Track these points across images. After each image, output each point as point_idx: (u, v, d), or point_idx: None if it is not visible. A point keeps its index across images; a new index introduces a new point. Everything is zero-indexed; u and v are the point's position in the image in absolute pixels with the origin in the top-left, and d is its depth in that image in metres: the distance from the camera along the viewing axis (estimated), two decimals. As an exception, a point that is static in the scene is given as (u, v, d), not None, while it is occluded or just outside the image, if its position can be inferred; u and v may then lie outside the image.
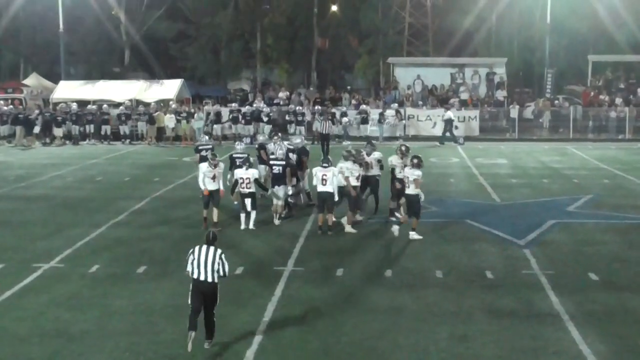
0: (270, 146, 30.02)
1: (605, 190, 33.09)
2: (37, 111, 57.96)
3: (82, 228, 26.13)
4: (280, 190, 25.93)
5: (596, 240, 24.33)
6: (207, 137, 36.02)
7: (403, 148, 26.97)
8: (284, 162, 27.41)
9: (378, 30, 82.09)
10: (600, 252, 22.76)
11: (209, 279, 15.65)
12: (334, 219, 25.13)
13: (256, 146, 30.99)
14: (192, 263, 15.74)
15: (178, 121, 55.60)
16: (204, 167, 26.13)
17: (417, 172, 23.39)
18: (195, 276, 15.71)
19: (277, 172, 26.96)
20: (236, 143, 31.73)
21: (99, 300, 18.60)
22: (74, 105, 58.32)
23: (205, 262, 15.60)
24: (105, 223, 26.88)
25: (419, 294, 18.89)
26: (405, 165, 25.31)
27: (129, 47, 79.66)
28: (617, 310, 17.51)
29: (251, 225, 25.30)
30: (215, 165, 25.39)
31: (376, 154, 27.50)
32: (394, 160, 26.52)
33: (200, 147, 31.81)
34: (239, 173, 25.21)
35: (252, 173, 25.54)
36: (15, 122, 56.29)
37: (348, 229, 25.17)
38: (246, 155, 28.58)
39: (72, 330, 16.47)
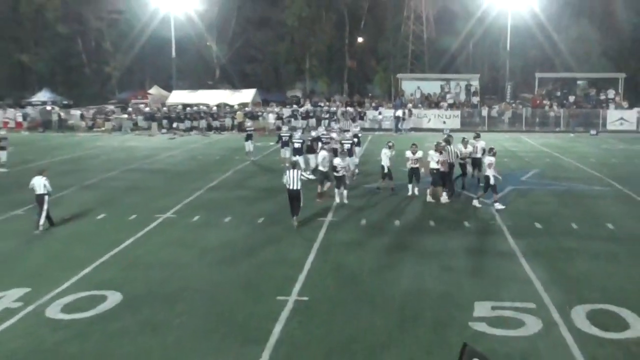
0: (334, 135, 30.65)
1: (547, 166, 32.80)
2: (161, 111, 58.94)
3: (187, 191, 26.20)
4: (351, 161, 26.11)
5: (540, 200, 24.16)
6: (286, 128, 36.35)
7: (465, 139, 26.89)
8: (351, 141, 28.74)
9: (390, 55, 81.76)
10: (543, 209, 22.60)
11: (295, 187, 20.02)
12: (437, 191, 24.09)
13: (311, 138, 30.44)
14: (286, 178, 20.15)
15: (255, 118, 55.44)
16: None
17: (491, 158, 22.66)
18: (288, 186, 20.11)
19: (348, 148, 27.20)
20: (295, 132, 32.19)
21: (198, 240, 18.74)
22: (179, 107, 58.82)
23: (292, 178, 19.98)
24: (202, 188, 26.94)
25: (418, 238, 18.86)
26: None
27: (219, 67, 79.81)
28: (554, 249, 17.42)
29: (345, 200, 23.34)
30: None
31: (482, 143, 27.02)
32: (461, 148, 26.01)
33: (281, 135, 32.87)
34: (337, 161, 23.31)
35: (348, 162, 24.28)
36: (151, 119, 56.77)
37: (429, 198, 23.85)
38: (302, 141, 30.11)
39: (181, 261, 16.63)
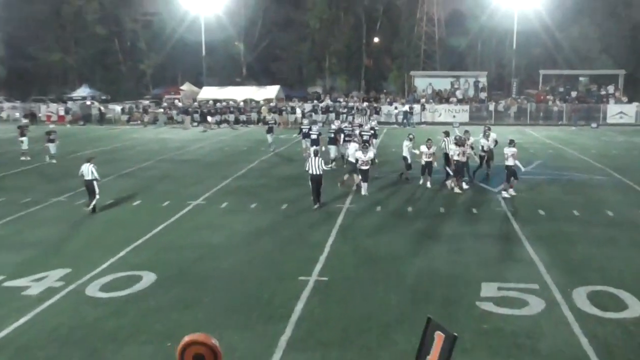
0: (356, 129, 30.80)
1: (550, 157, 32.66)
2: (193, 106, 59.15)
3: (216, 179, 26.28)
4: (370, 151, 25.86)
5: (543, 189, 24.08)
6: (306, 121, 36.73)
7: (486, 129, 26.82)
8: (369, 133, 29.37)
9: (404, 54, 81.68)
10: (546, 197, 22.53)
11: (317, 172, 20.53)
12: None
13: (333, 130, 30.10)
14: (308, 165, 20.79)
15: (279, 112, 55.56)
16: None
17: (513, 149, 22.76)
18: (310, 172, 20.63)
19: (367, 139, 27.13)
20: (313, 125, 32.24)
21: (226, 224, 18.81)
22: (210, 102, 58.85)
23: (314, 164, 20.50)
24: (230, 176, 27.00)
25: (430, 223, 18.85)
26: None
27: (245, 65, 79.82)
28: (556, 234, 17.36)
29: (364, 192, 22.62)
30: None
31: (493, 134, 26.82)
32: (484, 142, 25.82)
33: (302, 127, 33.51)
34: (359, 155, 22.79)
35: (369, 156, 22.94)
36: (184, 113, 56.97)
37: (456, 190, 23.38)
38: (318, 133, 30.50)
39: (210, 244, 16.72)
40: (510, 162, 22.54)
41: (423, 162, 24.32)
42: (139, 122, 57.92)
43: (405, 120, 54.09)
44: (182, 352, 5.84)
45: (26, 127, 34.19)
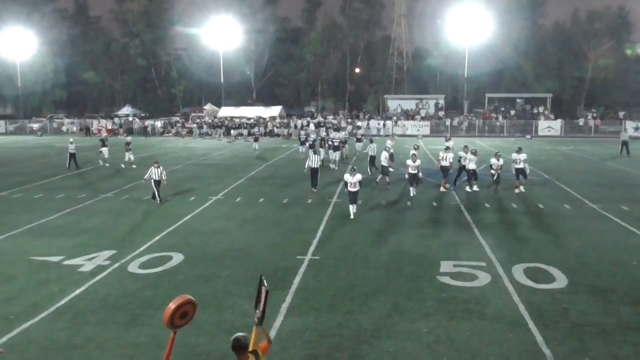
0: (332, 134, 32.48)
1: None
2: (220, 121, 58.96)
3: (232, 179, 26.19)
4: (337, 154, 26.82)
5: (488, 186, 24.02)
6: (303, 132, 37.36)
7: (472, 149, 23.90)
8: (339, 141, 31.16)
9: (379, 81, 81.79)
10: (491, 193, 22.48)
11: (316, 166, 21.86)
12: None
13: (321, 138, 32.09)
14: (308, 161, 21.84)
15: (287, 126, 55.77)
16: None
17: (524, 155, 22.95)
18: (311, 166, 21.88)
19: (337, 144, 29.91)
20: (309, 136, 32.60)
21: (239, 215, 18.71)
22: (229, 119, 58.63)
23: (314, 160, 21.83)
24: (244, 177, 26.90)
25: (400, 214, 18.80)
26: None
27: (255, 90, 79.77)
28: (501, 222, 17.36)
29: (352, 216, 17.91)
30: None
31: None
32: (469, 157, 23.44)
33: (300, 137, 35.46)
34: (347, 178, 17.98)
35: (357, 178, 17.74)
36: (213, 127, 56.75)
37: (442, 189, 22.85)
38: (313, 140, 31.99)
39: (227, 230, 16.63)
40: (520, 165, 22.75)
41: (408, 174, 22.33)
42: (177, 134, 57.85)
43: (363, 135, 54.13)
44: (172, 315, 5.91)
45: (106, 139, 32.77)
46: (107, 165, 31.26)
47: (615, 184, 24.79)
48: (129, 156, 31.10)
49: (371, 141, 28.86)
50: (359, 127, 54.03)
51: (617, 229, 16.54)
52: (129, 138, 33.76)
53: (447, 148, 24.98)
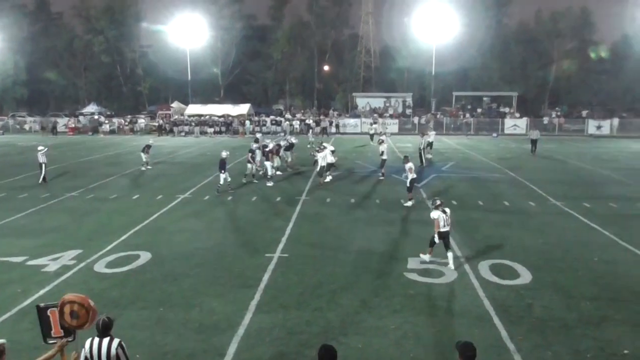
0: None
1: (461, 160, 33.07)
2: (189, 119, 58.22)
3: (199, 178, 26.05)
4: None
5: (455, 184, 24.31)
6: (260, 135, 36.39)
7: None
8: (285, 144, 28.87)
9: (347, 79, 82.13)
10: (457, 190, 22.75)
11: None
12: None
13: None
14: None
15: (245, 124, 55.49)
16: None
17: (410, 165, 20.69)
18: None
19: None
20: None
21: (208, 213, 18.65)
22: (195, 117, 58.20)
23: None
24: (210, 175, 26.68)
25: (368, 211, 18.92)
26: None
27: (223, 88, 79.24)
28: (466, 219, 17.57)
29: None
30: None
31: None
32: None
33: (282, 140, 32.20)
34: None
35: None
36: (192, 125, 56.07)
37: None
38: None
39: (195, 229, 16.57)
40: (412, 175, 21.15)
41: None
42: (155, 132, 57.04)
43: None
44: (62, 306, 5.93)
45: (149, 147, 30.06)
46: (149, 167, 29.50)
47: (578, 181, 25.33)
48: (143, 157, 29.44)
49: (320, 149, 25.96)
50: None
51: (580, 226, 16.94)
52: (151, 141, 32.08)
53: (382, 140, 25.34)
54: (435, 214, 12.79)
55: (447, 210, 12.98)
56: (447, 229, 12.77)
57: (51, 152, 33.00)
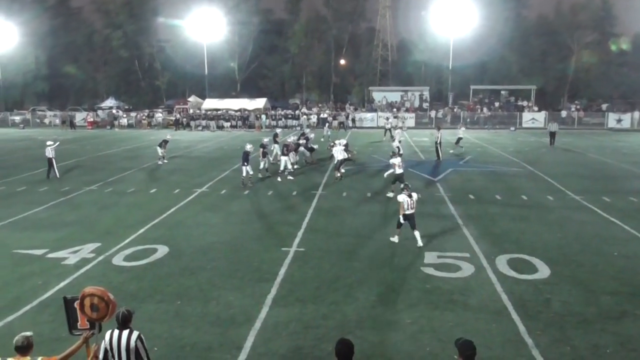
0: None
1: (478, 154, 32.84)
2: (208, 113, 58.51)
3: (216, 172, 26.14)
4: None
5: (472, 178, 24.17)
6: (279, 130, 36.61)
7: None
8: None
9: (364, 73, 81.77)
10: (475, 185, 22.62)
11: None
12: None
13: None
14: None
15: (260, 118, 55.67)
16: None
17: (398, 159, 20.34)
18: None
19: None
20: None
21: (225, 207, 18.72)
22: (212, 111, 58.28)
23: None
24: (228, 169, 26.84)
25: (385, 205, 18.88)
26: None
27: (239, 82, 79.34)
28: (482, 213, 17.49)
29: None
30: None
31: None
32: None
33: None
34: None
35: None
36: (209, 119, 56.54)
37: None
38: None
39: (212, 222, 16.64)
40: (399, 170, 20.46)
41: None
42: (173, 127, 57.00)
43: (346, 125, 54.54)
44: (82, 299, 5.98)
45: (166, 142, 30.15)
46: (165, 161, 29.58)
47: (597, 175, 25.06)
48: (159, 152, 29.52)
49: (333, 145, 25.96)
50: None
51: (599, 220, 16.76)
52: (168, 136, 32.22)
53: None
54: (400, 198, 13.97)
55: (414, 194, 14.10)
56: (411, 211, 13.90)
57: (70, 146, 33.39)
